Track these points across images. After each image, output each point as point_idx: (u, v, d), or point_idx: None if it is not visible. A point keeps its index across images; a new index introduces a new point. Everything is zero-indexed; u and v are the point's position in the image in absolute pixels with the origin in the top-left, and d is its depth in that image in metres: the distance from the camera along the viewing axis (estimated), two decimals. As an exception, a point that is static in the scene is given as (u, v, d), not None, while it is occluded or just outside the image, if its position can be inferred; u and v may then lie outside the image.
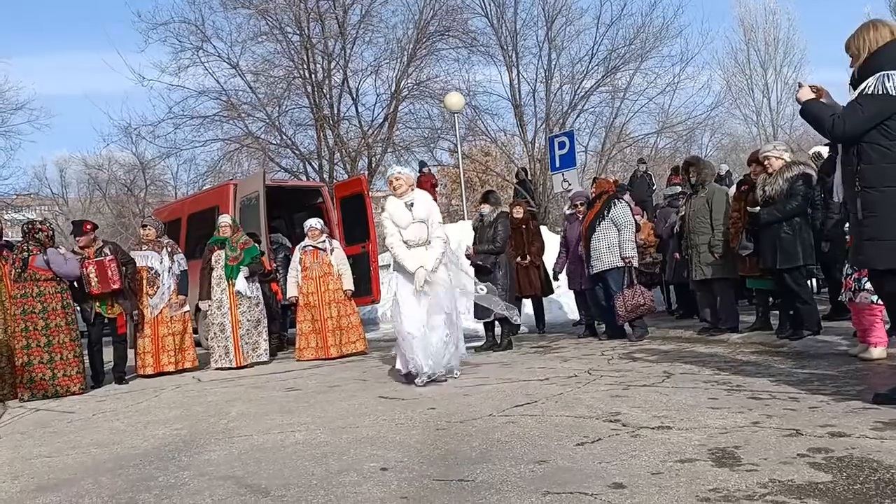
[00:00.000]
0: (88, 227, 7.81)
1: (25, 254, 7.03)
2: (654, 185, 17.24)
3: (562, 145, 13.42)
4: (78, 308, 7.63)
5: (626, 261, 7.70)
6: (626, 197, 8.50)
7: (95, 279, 7.38)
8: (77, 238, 7.75)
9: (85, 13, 52.99)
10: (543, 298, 9.76)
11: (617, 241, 7.73)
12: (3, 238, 7.56)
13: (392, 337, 11.31)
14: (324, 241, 8.97)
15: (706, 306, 7.50)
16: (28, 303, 6.97)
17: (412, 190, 6.18)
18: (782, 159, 6.34)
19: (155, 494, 3.10)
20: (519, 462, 3.14)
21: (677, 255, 8.40)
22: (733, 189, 7.60)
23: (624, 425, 3.69)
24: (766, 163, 6.44)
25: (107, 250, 7.59)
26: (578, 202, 8.71)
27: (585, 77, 20.82)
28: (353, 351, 8.75)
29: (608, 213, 7.82)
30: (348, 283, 8.88)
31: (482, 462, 3.19)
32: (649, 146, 24.23)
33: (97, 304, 7.56)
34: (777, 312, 6.93)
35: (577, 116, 21.36)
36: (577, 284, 8.72)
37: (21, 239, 7.45)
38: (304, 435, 4.10)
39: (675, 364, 5.69)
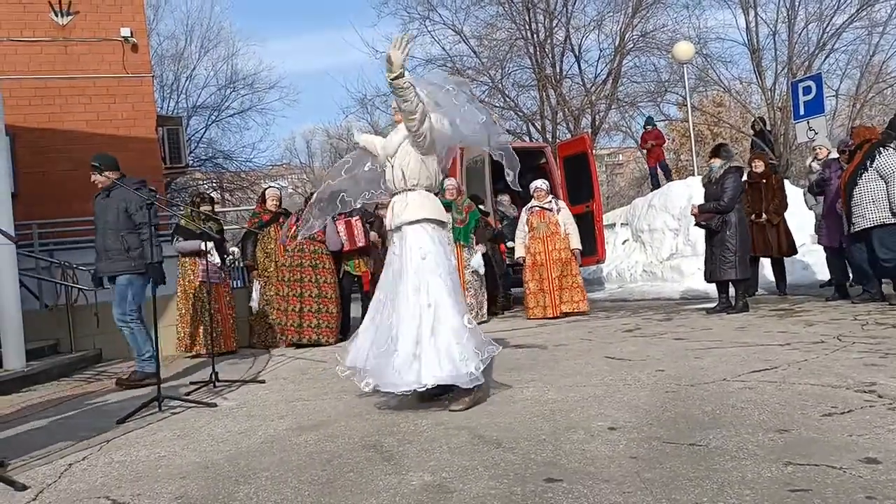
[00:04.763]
0: None
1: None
2: (923, 128, 15.12)
3: (807, 90, 12.23)
4: None
5: None
6: (893, 145, 7.51)
7: (344, 237, 8.13)
8: None
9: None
10: (786, 259, 9.05)
11: (882, 194, 6.89)
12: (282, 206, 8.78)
13: (620, 297, 11.23)
14: (550, 202, 9.04)
15: None
16: (304, 257, 7.95)
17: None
18: None
19: (398, 439, 3.37)
20: (757, 430, 2.99)
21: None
22: None
23: (880, 396, 3.36)
24: None
25: (355, 212, 8.36)
26: (845, 147, 7.87)
27: (836, 12, 18.73)
28: (576, 311, 8.78)
29: (872, 164, 6.97)
30: (576, 242, 8.90)
31: (715, 427, 3.08)
32: (916, 86, 21.32)
33: (345, 262, 8.33)
34: None
35: (826, 57, 19.35)
36: (834, 241, 7.93)
37: (303, 205, 8.51)
38: (532, 392, 4.20)
39: (946, 332, 5.04)
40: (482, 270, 8.81)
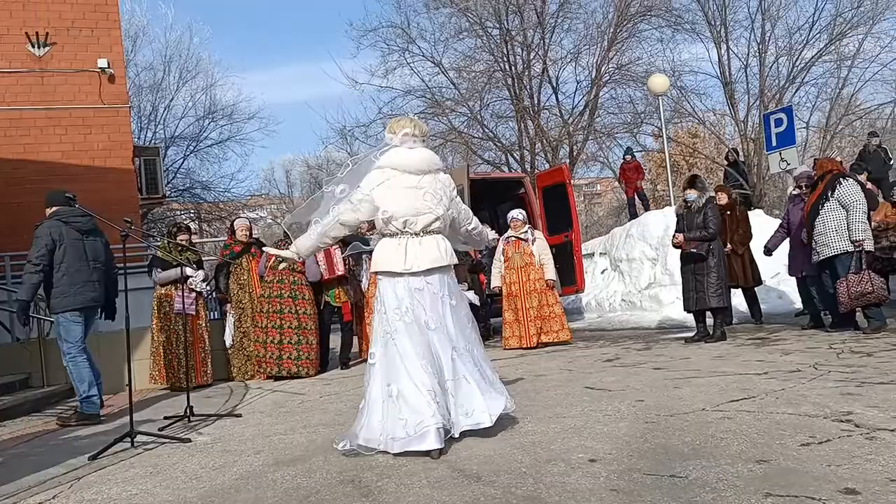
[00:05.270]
0: None
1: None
2: (890, 159, 15.43)
3: (778, 122, 12.46)
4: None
5: (857, 244, 6.97)
6: (862, 177, 7.62)
7: (323, 266, 8.08)
8: None
9: (303, 26, 57.78)
10: (756, 288, 9.16)
11: (844, 223, 7.03)
12: (253, 235, 8.67)
13: (599, 326, 11.24)
14: (526, 232, 9.07)
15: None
16: (284, 288, 7.89)
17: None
18: None
19: (376, 473, 3.32)
20: (736, 460, 2.99)
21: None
22: None
23: (857, 426, 3.37)
24: None
25: None
26: (803, 183, 8.05)
27: (805, 47, 19.14)
28: (556, 340, 8.76)
29: (833, 193, 7.14)
30: (550, 273, 8.92)
31: (695, 458, 3.07)
32: (884, 118, 21.76)
33: (325, 292, 8.27)
34: None
35: (797, 90, 19.71)
36: (799, 271, 8.08)
37: (284, 237, 8.41)
38: (512, 423, 4.17)
39: (920, 360, 5.09)
40: (477, 301, 8.89)
